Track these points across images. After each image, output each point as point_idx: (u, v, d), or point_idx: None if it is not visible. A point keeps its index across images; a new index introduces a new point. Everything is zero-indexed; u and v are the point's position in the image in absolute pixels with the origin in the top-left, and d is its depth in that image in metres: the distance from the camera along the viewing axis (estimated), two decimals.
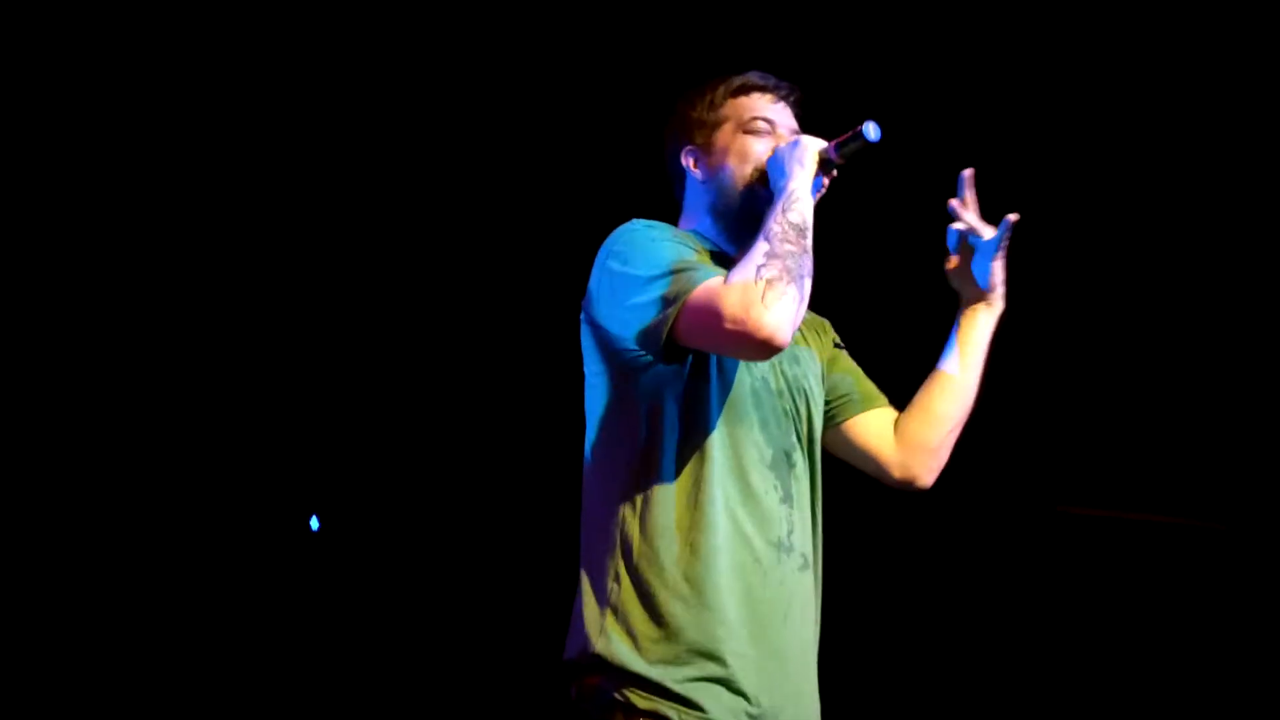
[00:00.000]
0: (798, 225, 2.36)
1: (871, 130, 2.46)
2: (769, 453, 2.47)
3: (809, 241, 2.36)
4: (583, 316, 2.52)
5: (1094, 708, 6.10)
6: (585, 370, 2.53)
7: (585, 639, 2.39)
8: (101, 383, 5.81)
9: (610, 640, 2.36)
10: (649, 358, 2.40)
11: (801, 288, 2.31)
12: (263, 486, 6.22)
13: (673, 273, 2.36)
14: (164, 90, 5.13)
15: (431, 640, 6.27)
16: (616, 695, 2.34)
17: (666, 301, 2.33)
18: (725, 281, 2.30)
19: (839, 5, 4.90)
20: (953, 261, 2.76)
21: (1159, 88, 4.98)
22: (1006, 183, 5.25)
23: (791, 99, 2.64)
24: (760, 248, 2.32)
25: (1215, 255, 5.37)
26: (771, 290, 2.26)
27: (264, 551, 6.25)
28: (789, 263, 2.30)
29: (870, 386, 2.77)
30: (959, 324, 2.75)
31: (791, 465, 2.50)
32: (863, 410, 2.74)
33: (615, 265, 2.43)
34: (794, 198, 2.40)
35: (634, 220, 2.52)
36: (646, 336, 2.36)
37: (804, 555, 2.50)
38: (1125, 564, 6.15)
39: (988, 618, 6.24)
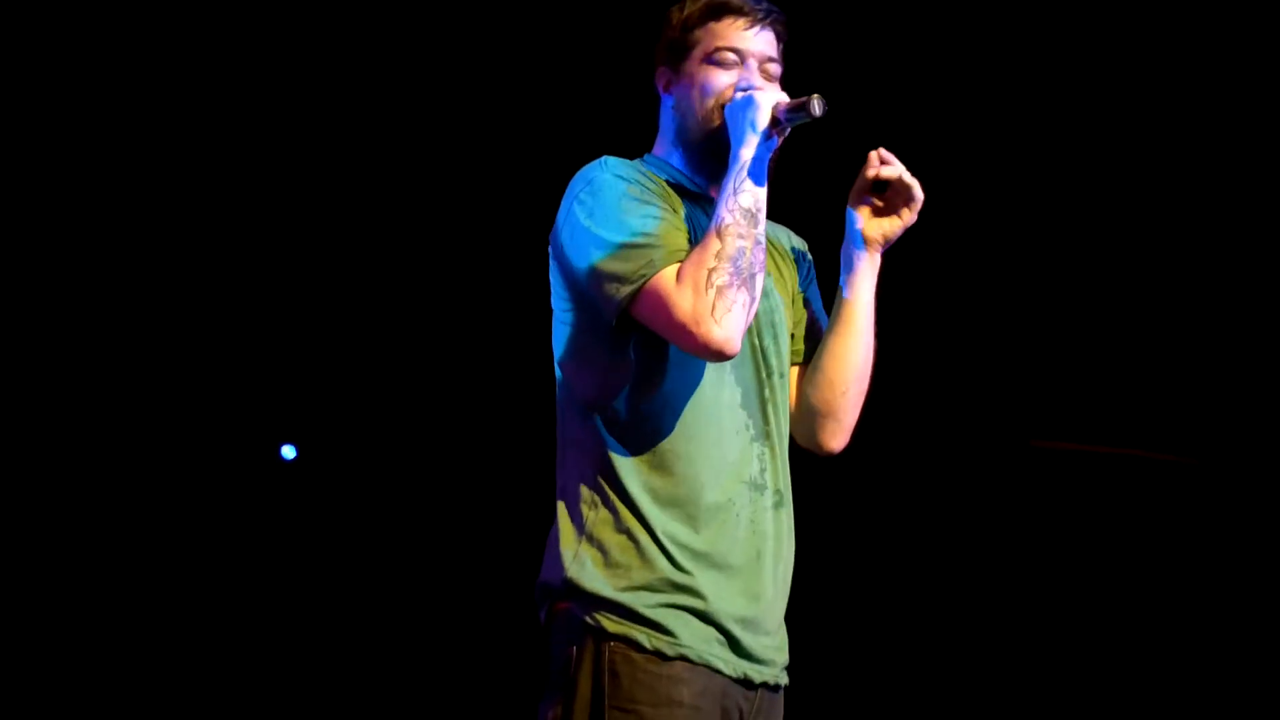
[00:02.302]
0: (749, 210, 2.33)
1: (816, 106, 2.36)
2: (739, 390, 2.46)
3: (761, 226, 2.34)
4: (551, 249, 2.51)
5: (1071, 645, 6.14)
6: (553, 299, 2.52)
7: (559, 564, 2.39)
8: (82, 328, 5.81)
9: (583, 566, 2.36)
10: None
11: (753, 288, 2.31)
12: (236, 416, 6.21)
13: (631, 246, 2.33)
14: (142, 83, 5.20)
15: (409, 575, 6.29)
16: (587, 619, 2.34)
17: (623, 280, 2.32)
18: (678, 280, 2.28)
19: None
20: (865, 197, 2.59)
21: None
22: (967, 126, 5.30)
23: (769, 21, 2.51)
24: (711, 246, 2.30)
25: (1185, 189, 5.38)
26: (722, 300, 2.27)
27: (237, 481, 6.24)
28: (740, 263, 2.28)
29: (802, 339, 2.66)
30: (846, 277, 2.60)
31: (762, 402, 2.49)
32: (793, 364, 2.63)
33: (581, 216, 2.40)
34: (743, 175, 2.34)
35: (606, 160, 2.48)
36: (603, 307, 2.37)
37: (778, 492, 2.49)
38: (1099, 499, 6.17)
39: (963, 554, 6.26)
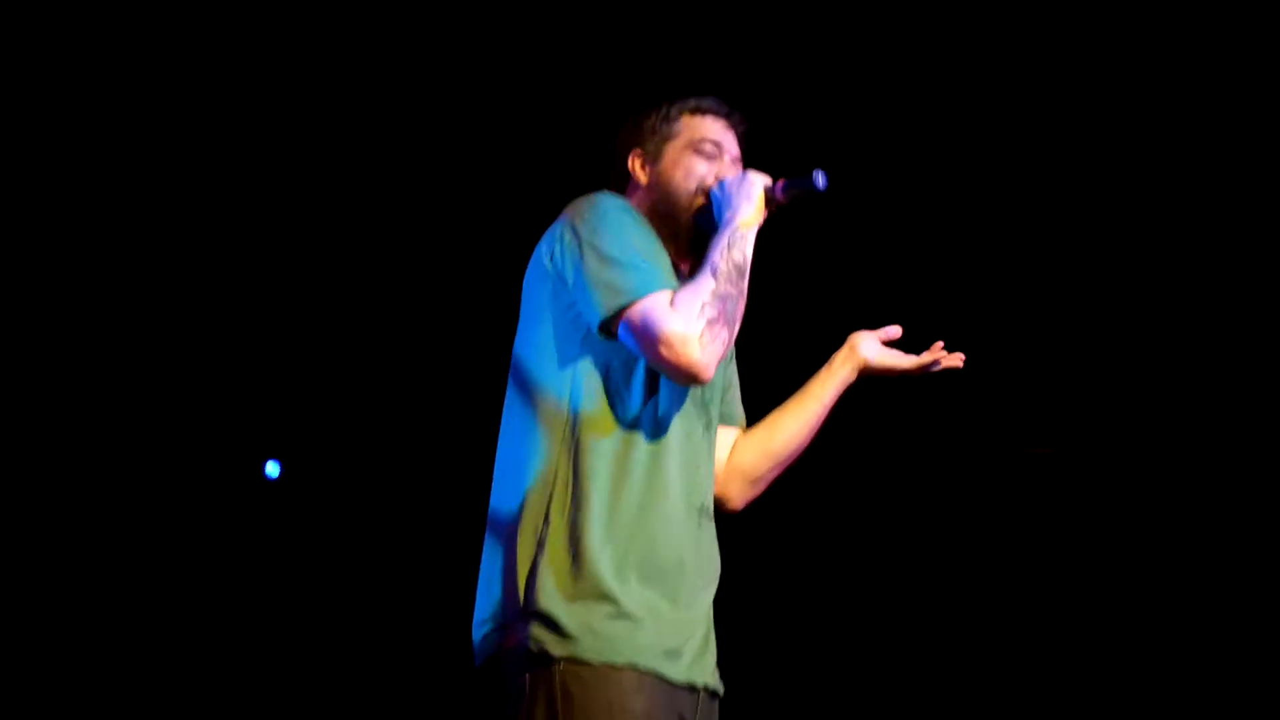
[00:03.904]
0: (739, 266, 2.52)
1: (821, 180, 2.60)
2: (697, 425, 2.61)
3: (745, 284, 2.53)
4: (542, 262, 2.59)
5: (1069, 648, 6.13)
6: (525, 309, 2.62)
7: (512, 590, 2.44)
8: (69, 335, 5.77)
9: (539, 584, 2.41)
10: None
11: (733, 331, 2.50)
12: (221, 433, 6.18)
13: (632, 266, 2.48)
14: (127, 97, 5.19)
15: (393, 592, 6.26)
16: (532, 647, 2.39)
17: (616, 291, 2.46)
18: (672, 305, 2.44)
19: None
20: (910, 363, 2.87)
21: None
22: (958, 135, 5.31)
23: (740, 129, 2.79)
24: (707, 284, 2.48)
25: (1171, 194, 5.40)
26: (709, 332, 2.44)
27: (222, 498, 6.21)
28: (728, 306, 2.48)
29: (734, 403, 2.86)
30: (823, 374, 2.85)
31: (707, 441, 2.66)
32: (719, 424, 2.81)
33: (583, 228, 2.54)
34: (738, 234, 2.55)
35: (606, 193, 2.65)
36: (587, 312, 2.49)
37: (713, 523, 2.64)
38: (1093, 504, 6.16)
39: (958, 561, 6.25)
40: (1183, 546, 6.06)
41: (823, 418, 2.81)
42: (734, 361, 2.85)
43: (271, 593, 6.23)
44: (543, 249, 2.59)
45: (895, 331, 2.84)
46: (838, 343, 2.83)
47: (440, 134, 5.44)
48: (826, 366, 2.82)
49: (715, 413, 2.70)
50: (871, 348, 2.83)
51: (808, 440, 2.81)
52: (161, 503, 6.07)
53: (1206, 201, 5.36)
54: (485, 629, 2.47)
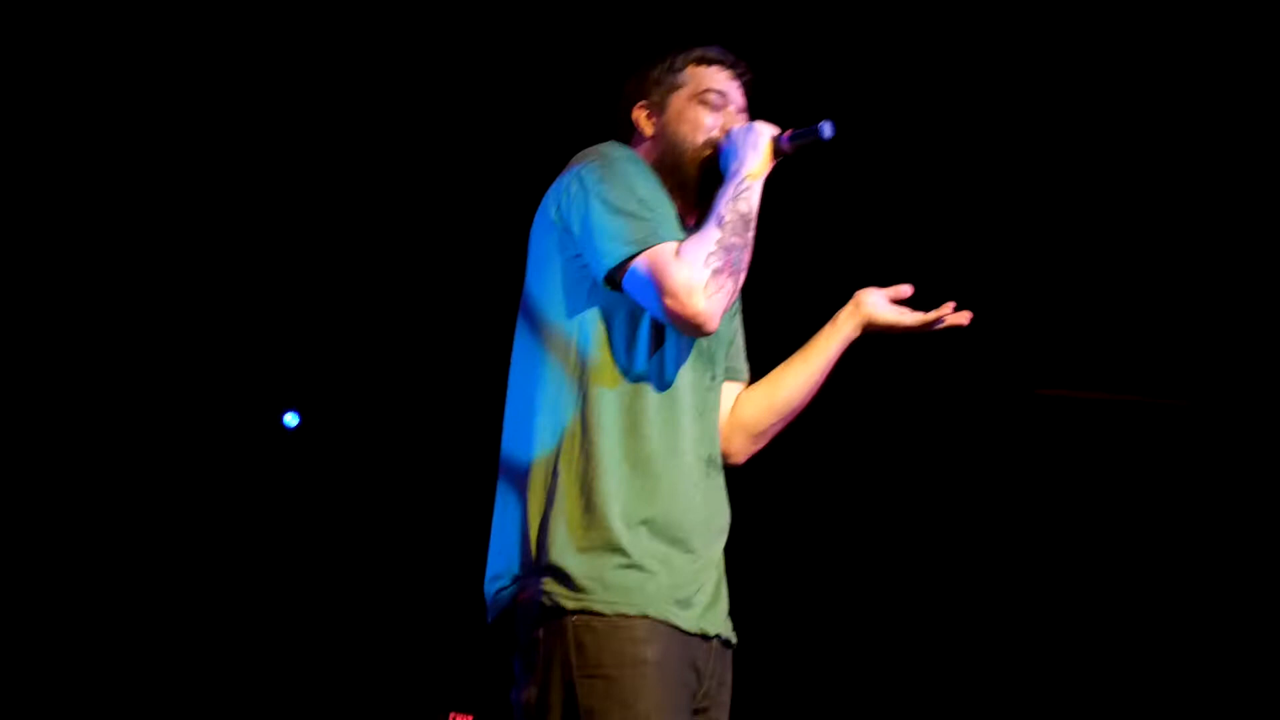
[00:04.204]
0: (745, 217, 2.51)
1: (828, 129, 2.58)
2: (704, 376, 2.61)
3: (752, 234, 2.52)
4: (549, 212, 2.59)
5: (1075, 589, 6.15)
6: (532, 261, 2.61)
7: (525, 543, 2.45)
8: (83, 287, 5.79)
9: (551, 537, 2.42)
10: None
11: (738, 281, 2.49)
12: (239, 384, 6.21)
13: (638, 216, 2.48)
14: (131, 65, 5.19)
15: (411, 541, 6.30)
16: (545, 601, 2.40)
17: (623, 241, 2.45)
18: (678, 255, 2.43)
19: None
20: (914, 320, 2.81)
21: None
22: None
23: (745, 79, 2.76)
24: (712, 234, 2.47)
25: (1186, 148, 5.37)
26: (715, 281, 2.43)
27: (240, 448, 6.25)
28: (734, 256, 2.46)
29: (739, 357, 2.85)
30: (827, 329, 2.81)
31: (714, 392, 2.66)
32: (724, 380, 2.80)
33: (590, 178, 2.53)
34: (744, 185, 2.54)
35: (615, 143, 2.66)
36: (596, 262, 2.49)
37: (721, 474, 2.64)
38: (1106, 445, 6.17)
39: (970, 503, 6.27)
40: (1193, 490, 6.08)
41: (826, 373, 2.79)
42: (739, 315, 2.84)
43: (290, 541, 6.27)
44: (549, 200, 2.58)
45: (905, 290, 2.80)
46: (844, 297, 2.81)
47: (454, 90, 5.43)
48: (831, 323, 2.79)
49: (721, 364, 2.70)
50: (876, 304, 2.78)
51: (811, 395, 2.79)
52: (183, 452, 6.11)
53: (1212, 145, 5.35)
54: (498, 584, 2.48)
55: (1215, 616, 5.97)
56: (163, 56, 5.18)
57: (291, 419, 6.34)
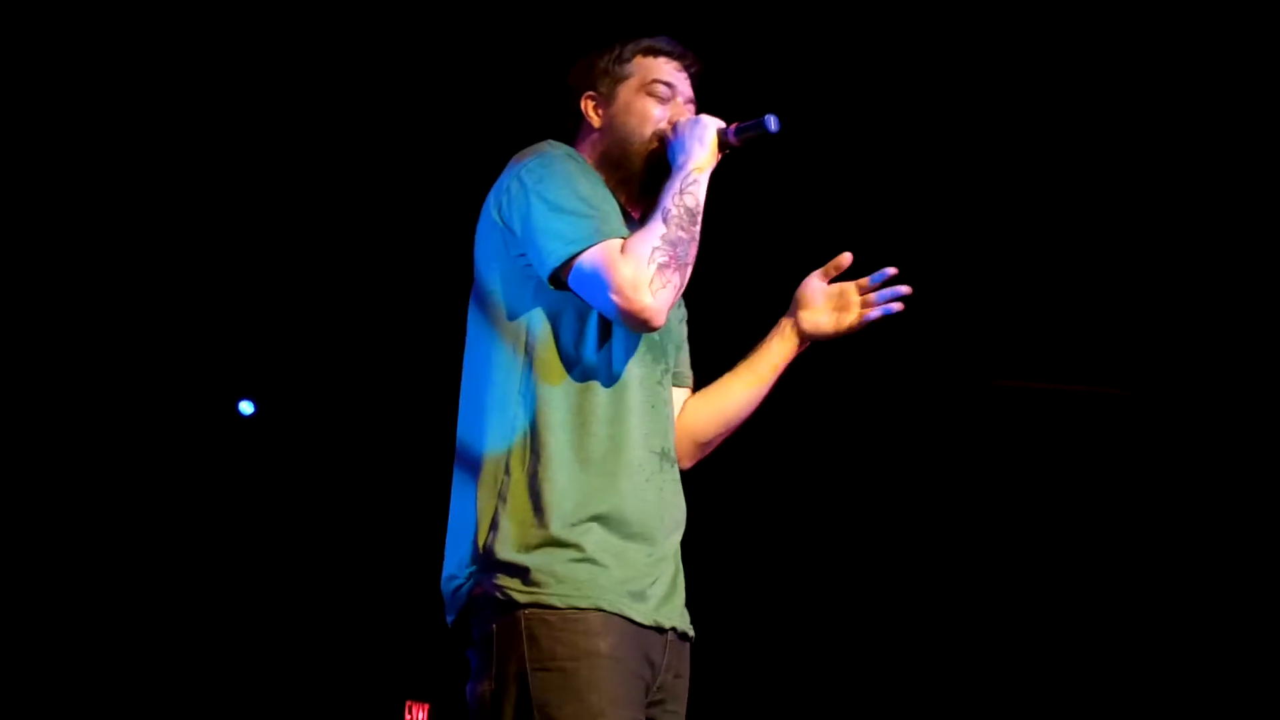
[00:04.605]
0: (692, 210, 2.50)
1: (773, 123, 2.58)
2: (655, 371, 2.61)
3: (699, 228, 2.50)
4: (490, 213, 2.58)
5: (1033, 581, 6.18)
6: (479, 261, 2.60)
7: (473, 538, 2.45)
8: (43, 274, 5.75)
9: (499, 532, 2.43)
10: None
11: (684, 275, 2.47)
12: (194, 371, 6.18)
13: (580, 214, 2.47)
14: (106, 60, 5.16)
15: (367, 529, 6.28)
16: (498, 595, 2.41)
17: (566, 240, 2.44)
18: (622, 251, 2.42)
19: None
20: (852, 320, 2.76)
21: None
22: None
23: (693, 70, 2.74)
24: (657, 229, 2.46)
25: (1143, 137, 5.38)
26: (660, 277, 2.41)
27: (195, 436, 6.22)
28: (679, 250, 2.45)
29: (684, 363, 2.83)
30: (773, 339, 2.79)
31: (664, 385, 2.64)
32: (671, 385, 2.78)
33: (529, 178, 2.52)
34: (690, 179, 2.53)
35: (553, 142, 2.64)
36: (539, 262, 2.47)
37: (674, 464, 2.63)
38: (1061, 436, 6.19)
39: (928, 494, 6.28)
40: (1153, 481, 6.12)
41: (770, 385, 2.78)
42: (685, 322, 2.83)
43: (245, 530, 6.25)
44: (490, 201, 2.58)
45: (845, 260, 2.75)
46: (791, 294, 2.77)
47: (405, 82, 5.42)
48: (775, 332, 2.77)
49: (672, 356, 2.70)
50: (808, 321, 2.75)
51: (755, 406, 2.78)
52: (138, 440, 6.08)
53: (1170, 134, 5.37)
54: (454, 583, 2.48)
55: (1176, 606, 6.01)
56: (126, 52, 5.16)
57: (247, 407, 6.31)
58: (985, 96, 5.31)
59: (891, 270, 2.74)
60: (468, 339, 2.60)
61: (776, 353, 2.77)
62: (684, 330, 2.82)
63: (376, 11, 5.18)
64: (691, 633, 2.60)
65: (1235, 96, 5.16)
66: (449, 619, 2.51)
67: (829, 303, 2.76)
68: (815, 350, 2.80)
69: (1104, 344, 6.02)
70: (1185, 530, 6.04)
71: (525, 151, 2.60)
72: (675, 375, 2.76)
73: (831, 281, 2.77)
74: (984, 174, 5.57)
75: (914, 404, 6.26)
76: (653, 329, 2.45)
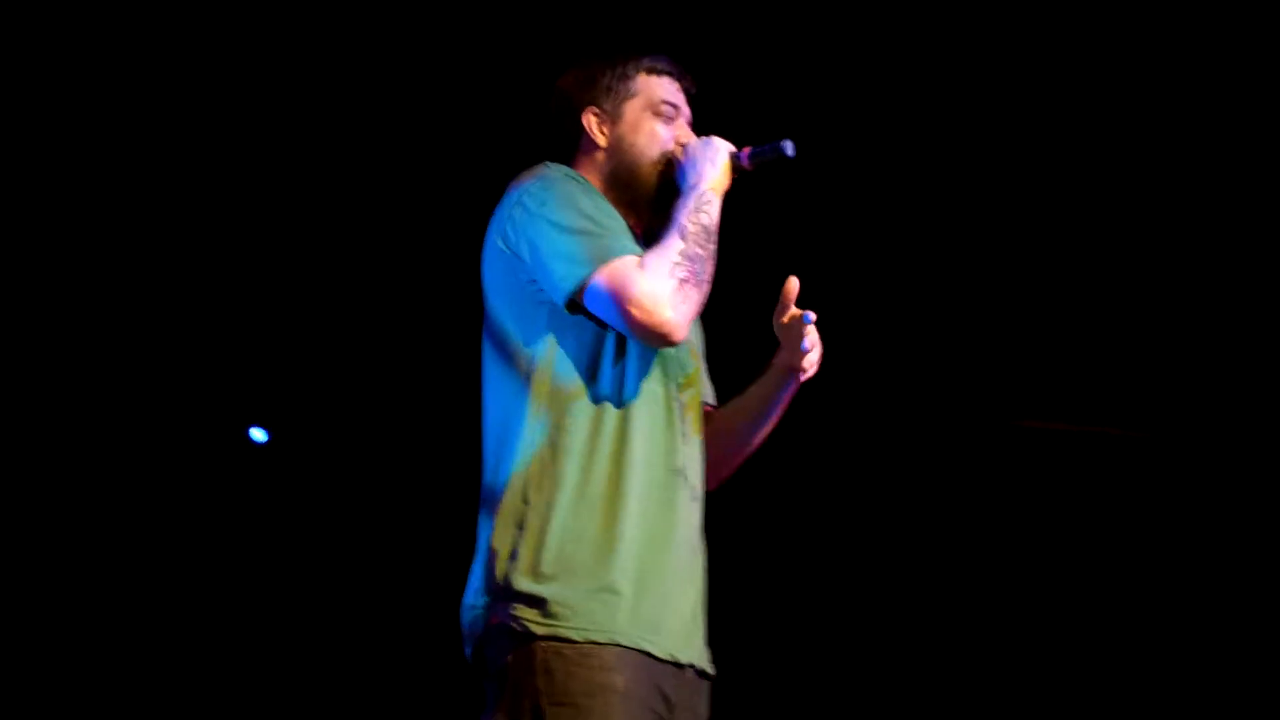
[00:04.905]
0: (708, 229, 2.50)
1: (790, 148, 2.58)
2: (672, 389, 2.57)
3: (714, 246, 2.50)
4: (495, 242, 2.56)
5: (1056, 622, 6.13)
6: (488, 290, 2.59)
7: (491, 569, 2.43)
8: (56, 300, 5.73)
9: (516, 562, 2.41)
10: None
11: (703, 292, 2.47)
12: (206, 399, 6.15)
13: (589, 234, 2.45)
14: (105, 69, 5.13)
15: (381, 558, 6.24)
16: (515, 626, 2.38)
17: (578, 262, 2.43)
18: (640, 267, 2.41)
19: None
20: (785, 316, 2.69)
21: None
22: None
23: (691, 91, 2.75)
24: (675, 245, 2.45)
25: (1171, 174, 5.35)
26: (680, 292, 2.41)
27: (207, 464, 6.20)
28: (698, 267, 2.45)
29: (703, 379, 2.79)
30: (765, 372, 2.75)
31: (685, 406, 2.60)
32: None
33: (531, 203, 2.51)
34: (705, 198, 2.53)
35: (550, 164, 2.61)
36: (552, 287, 2.46)
37: (694, 487, 2.58)
38: (1085, 477, 6.16)
39: (950, 534, 6.24)
40: (1173, 520, 6.07)
41: (762, 415, 2.74)
42: (703, 340, 2.80)
43: (257, 559, 6.22)
44: (493, 228, 2.57)
45: (791, 286, 2.64)
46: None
47: (416, 105, 5.40)
48: (760, 376, 2.74)
49: (694, 382, 2.65)
50: (780, 355, 2.69)
51: (755, 434, 2.76)
52: (149, 467, 6.05)
53: (1200, 168, 5.34)
54: (473, 613, 2.46)
55: (1192, 648, 5.95)
56: (124, 59, 5.12)
57: (259, 434, 6.30)
58: (1021, 136, 5.27)
59: (811, 315, 2.65)
60: (483, 369, 2.58)
61: (765, 384, 2.74)
62: (702, 347, 2.78)
63: (399, 38, 5.17)
64: (711, 670, 2.55)
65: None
66: (466, 650, 2.48)
67: (792, 335, 2.68)
68: (836, 389, 2.76)
69: (1128, 386, 6.00)
70: (1209, 572, 5.98)
71: (523, 175, 2.58)
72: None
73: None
74: (1013, 214, 5.54)
75: (936, 444, 6.25)
76: (673, 343, 2.45)
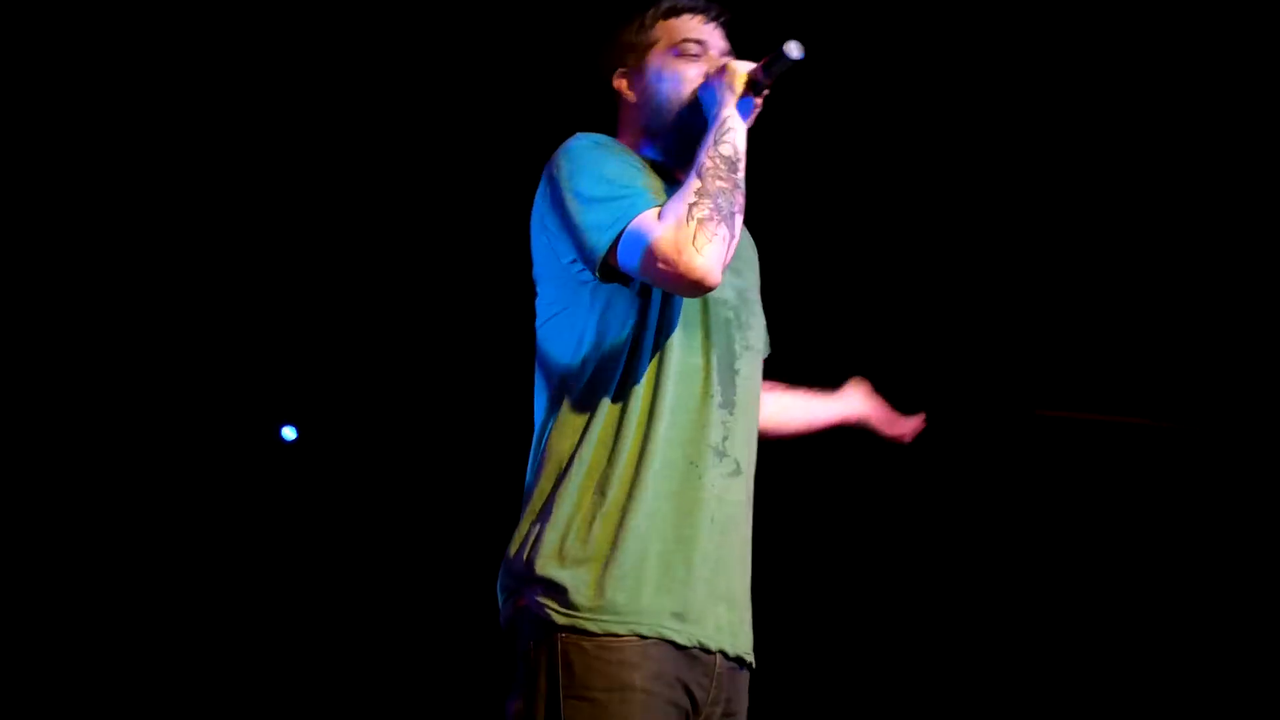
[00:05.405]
0: (729, 158, 2.40)
1: (794, 49, 2.44)
2: (713, 358, 2.48)
3: (740, 174, 2.41)
4: (535, 226, 2.55)
5: (1074, 611, 6.13)
6: (536, 275, 2.56)
7: (516, 548, 2.42)
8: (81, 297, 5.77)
9: (538, 545, 2.38)
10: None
11: (733, 225, 2.36)
12: (237, 397, 6.19)
13: (612, 198, 2.39)
14: (130, 71, 5.18)
15: (409, 556, 6.27)
16: (539, 614, 2.36)
17: (603, 227, 2.37)
18: (659, 218, 2.34)
19: None
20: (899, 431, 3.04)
21: None
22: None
23: (721, 20, 2.64)
24: (693, 185, 2.36)
25: (1180, 164, 5.37)
26: (703, 231, 2.31)
27: (238, 462, 6.23)
28: (720, 201, 2.34)
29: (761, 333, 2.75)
30: (825, 412, 2.98)
31: (734, 373, 2.52)
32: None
33: (560, 178, 2.46)
34: (725, 127, 2.43)
35: (579, 135, 2.53)
36: (585, 258, 2.41)
37: (736, 461, 2.50)
38: (1105, 467, 6.16)
39: (970, 523, 6.24)
40: (1200, 511, 6.06)
41: (799, 431, 2.93)
42: (758, 286, 2.70)
43: (287, 556, 6.25)
44: (534, 216, 2.54)
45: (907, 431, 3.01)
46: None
47: (444, 99, 5.42)
48: (832, 400, 2.95)
49: (752, 339, 2.58)
50: (877, 415, 2.96)
51: (801, 433, 2.91)
52: (180, 465, 6.09)
53: (1227, 156, 5.33)
54: (504, 594, 2.45)
55: (1210, 638, 5.95)
56: (144, 67, 5.17)
57: (289, 432, 6.32)
58: (1045, 134, 5.28)
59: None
60: (537, 354, 2.56)
61: (815, 414, 2.95)
62: (758, 297, 2.69)
63: (449, 29, 5.19)
64: (749, 658, 2.50)
65: None
66: (501, 622, 2.47)
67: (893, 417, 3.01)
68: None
69: (1151, 375, 5.99)
70: (1232, 563, 5.98)
71: (555, 153, 2.53)
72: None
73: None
74: (1037, 203, 5.54)
75: (958, 433, 6.23)
76: (709, 288, 2.33)
